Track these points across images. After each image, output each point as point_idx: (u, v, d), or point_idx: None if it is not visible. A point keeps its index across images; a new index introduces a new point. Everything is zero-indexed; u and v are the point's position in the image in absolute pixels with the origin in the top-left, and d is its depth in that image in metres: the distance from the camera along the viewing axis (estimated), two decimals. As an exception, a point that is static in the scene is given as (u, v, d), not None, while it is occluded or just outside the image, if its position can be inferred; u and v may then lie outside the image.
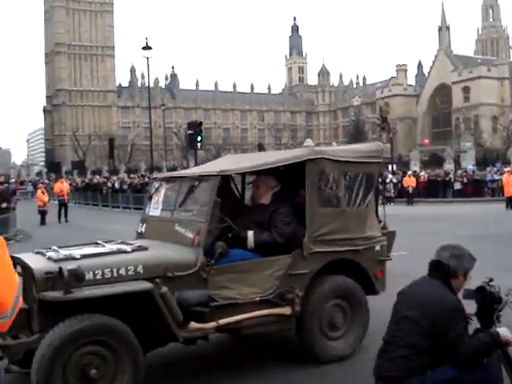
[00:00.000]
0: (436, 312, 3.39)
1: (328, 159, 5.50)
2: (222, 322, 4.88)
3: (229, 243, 5.28)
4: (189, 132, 27.93)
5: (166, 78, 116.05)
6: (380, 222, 6.12)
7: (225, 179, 6.03)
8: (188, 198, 5.42)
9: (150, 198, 6.09)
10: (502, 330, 3.53)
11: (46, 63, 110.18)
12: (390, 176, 36.59)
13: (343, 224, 5.57)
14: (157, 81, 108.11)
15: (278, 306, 5.15)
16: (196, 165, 24.10)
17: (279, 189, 5.71)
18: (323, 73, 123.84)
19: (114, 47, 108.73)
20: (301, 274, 5.29)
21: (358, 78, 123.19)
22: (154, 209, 5.92)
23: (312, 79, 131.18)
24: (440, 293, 3.50)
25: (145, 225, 5.96)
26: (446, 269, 3.56)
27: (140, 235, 5.94)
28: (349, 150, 6.16)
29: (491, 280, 3.65)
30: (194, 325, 4.76)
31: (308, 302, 5.33)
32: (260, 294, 5.08)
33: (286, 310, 5.19)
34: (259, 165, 5.49)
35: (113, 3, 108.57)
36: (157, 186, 6.08)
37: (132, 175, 47.11)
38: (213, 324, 4.85)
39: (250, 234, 5.34)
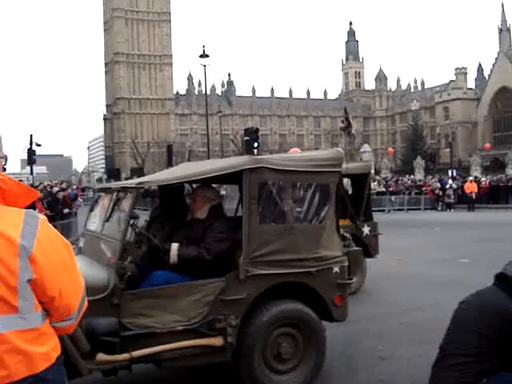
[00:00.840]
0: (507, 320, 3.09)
1: (270, 168, 4.78)
2: (137, 353, 4.28)
3: (163, 264, 4.74)
4: (245, 138, 27.94)
5: (223, 85, 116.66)
6: (345, 239, 5.38)
7: (174, 190, 5.51)
8: (113, 212, 4.86)
9: (91, 210, 5.60)
10: None
11: (105, 73, 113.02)
12: (450, 182, 35.66)
13: (290, 242, 4.84)
14: (213, 88, 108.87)
15: (205, 336, 4.51)
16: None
17: (218, 202, 5.09)
18: (380, 77, 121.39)
19: (171, 56, 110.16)
20: (236, 300, 4.61)
21: (415, 82, 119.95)
22: (92, 223, 5.41)
23: (369, 84, 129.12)
24: (507, 302, 3.18)
25: (84, 240, 5.48)
26: (511, 281, 3.30)
27: (79, 251, 5.46)
28: (298, 158, 5.39)
29: None
30: (102, 356, 4.19)
31: (247, 331, 4.67)
32: (183, 323, 4.45)
33: (216, 341, 4.53)
34: (183, 176, 4.87)
35: (170, 13, 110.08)
36: (96, 197, 5.59)
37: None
38: (125, 356, 4.26)
39: (174, 246, 4.73)
